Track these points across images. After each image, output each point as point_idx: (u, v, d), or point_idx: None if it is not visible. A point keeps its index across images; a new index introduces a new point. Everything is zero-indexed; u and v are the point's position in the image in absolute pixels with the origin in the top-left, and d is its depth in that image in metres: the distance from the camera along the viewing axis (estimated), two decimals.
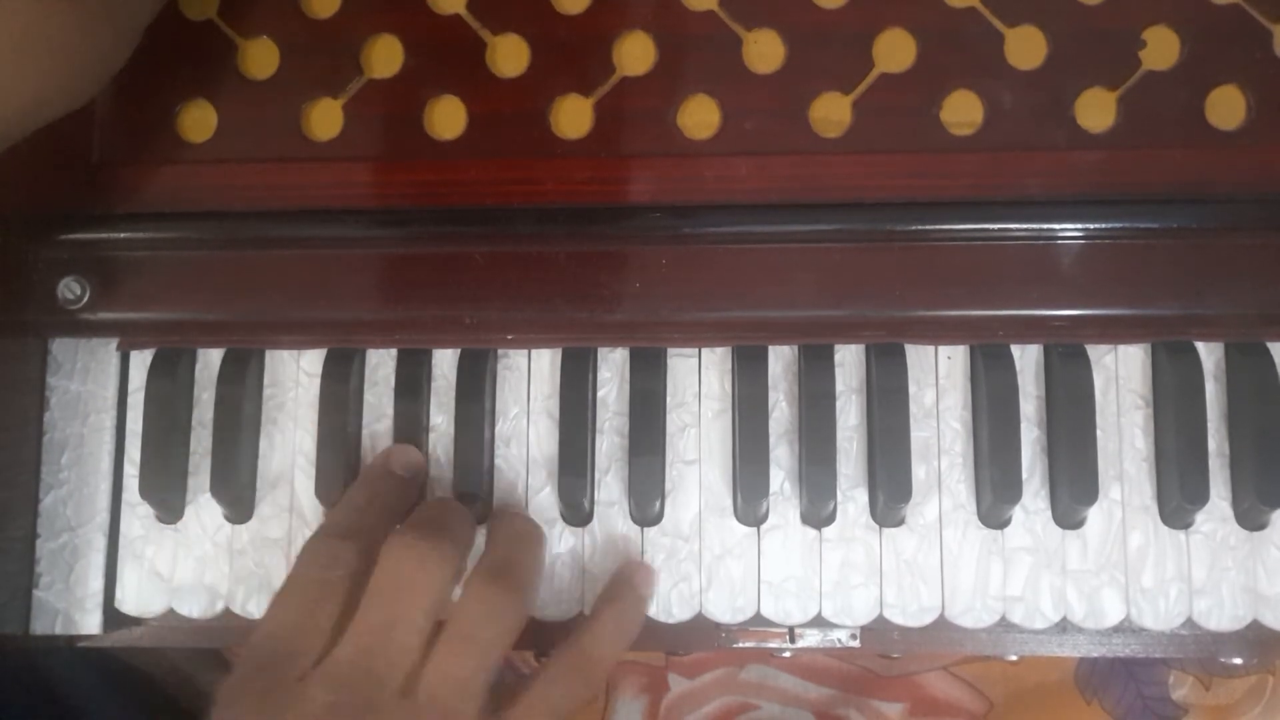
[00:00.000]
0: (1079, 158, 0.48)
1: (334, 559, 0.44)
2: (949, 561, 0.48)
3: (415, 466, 0.49)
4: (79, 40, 0.43)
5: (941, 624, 0.48)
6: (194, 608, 0.50)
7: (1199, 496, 0.46)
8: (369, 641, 0.42)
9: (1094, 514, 0.48)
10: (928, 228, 0.48)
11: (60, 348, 0.51)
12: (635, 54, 0.49)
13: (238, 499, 0.50)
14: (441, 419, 0.50)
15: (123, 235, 0.50)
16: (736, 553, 0.49)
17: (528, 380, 0.50)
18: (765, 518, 0.49)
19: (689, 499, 0.49)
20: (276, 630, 0.43)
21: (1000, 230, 0.48)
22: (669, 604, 0.49)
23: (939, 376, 0.49)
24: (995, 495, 0.47)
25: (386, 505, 0.47)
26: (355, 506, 0.47)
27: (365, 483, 0.48)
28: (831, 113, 0.49)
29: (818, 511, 0.48)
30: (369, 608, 0.43)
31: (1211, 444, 0.47)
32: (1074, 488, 0.47)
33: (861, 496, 0.49)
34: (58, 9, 0.41)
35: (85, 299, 0.49)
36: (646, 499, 0.48)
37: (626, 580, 0.48)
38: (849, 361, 0.49)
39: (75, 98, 0.44)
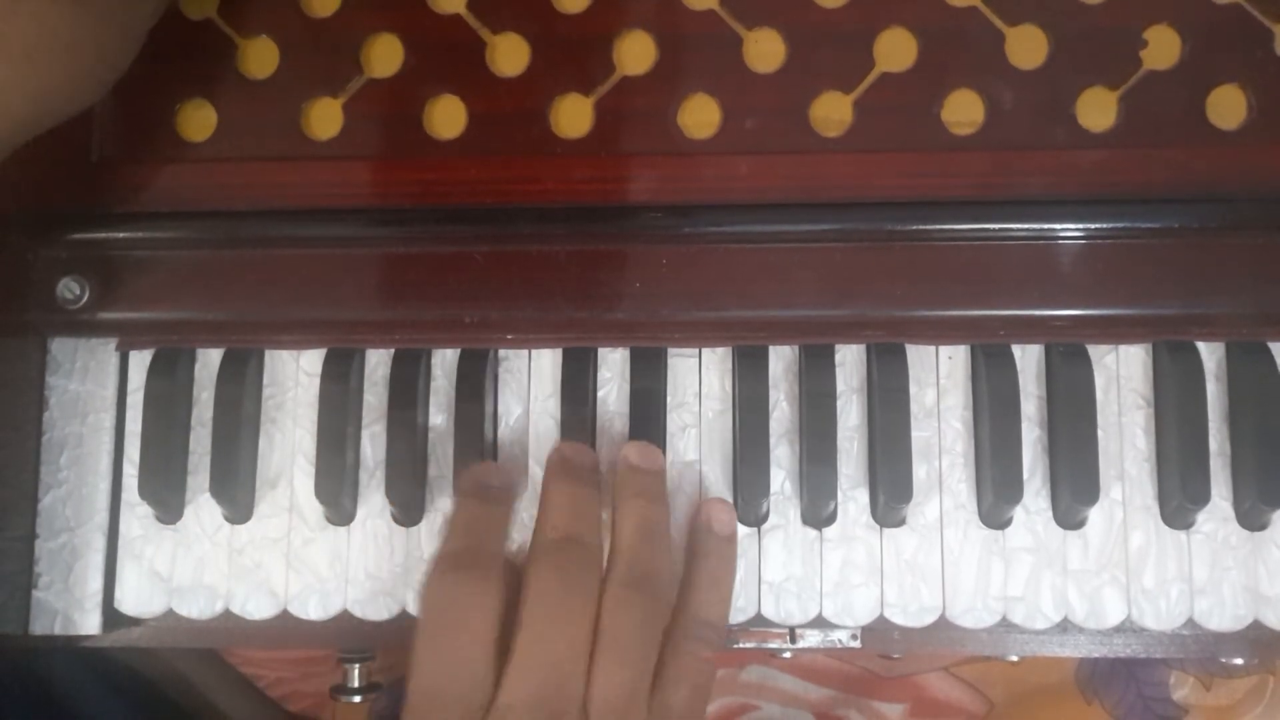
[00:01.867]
0: (1080, 157, 0.48)
1: (465, 599, 0.42)
2: (950, 561, 0.48)
3: (509, 477, 0.48)
4: (85, 44, 0.43)
5: (942, 624, 0.48)
6: (193, 608, 0.50)
7: (1200, 496, 0.46)
8: (539, 678, 0.41)
9: (1095, 514, 0.48)
10: (928, 227, 0.48)
11: (59, 347, 0.51)
12: (635, 53, 0.49)
13: (237, 499, 0.49)
14: (441, 419, 0.50)
15: (122, 235, 0.50)
16: (737, 553, 0.49)
17: (528, 380, 0.50)
18: (766, 517, 0.49)
19: (689, 499, 0.49)
20: (432, 685, 0.41)
21: (1001, 230, 0.48)
22: None
23: (940, 376, 0.49)
24: (996, 495, 0.47)
25: (491, 519, 0.46)
26: (464, 527, 0.45)
27: (463, 503, 0.46)
28: (832, 112, 0.49)
29: (818, 511, 0.48)
30: (529, 643, 0.41)
31: (1213, 444, 0.47)
32: (1075, 487, 0.47)
33: (862, 496, 0.49)
34: (65, 13, 0.41)
35: (84, 298, 0.49)
36: None
37: (705, 528, 0.47)
38: (850, 361, 0.49)
39: (81, 101, 0.44)
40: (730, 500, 0.49)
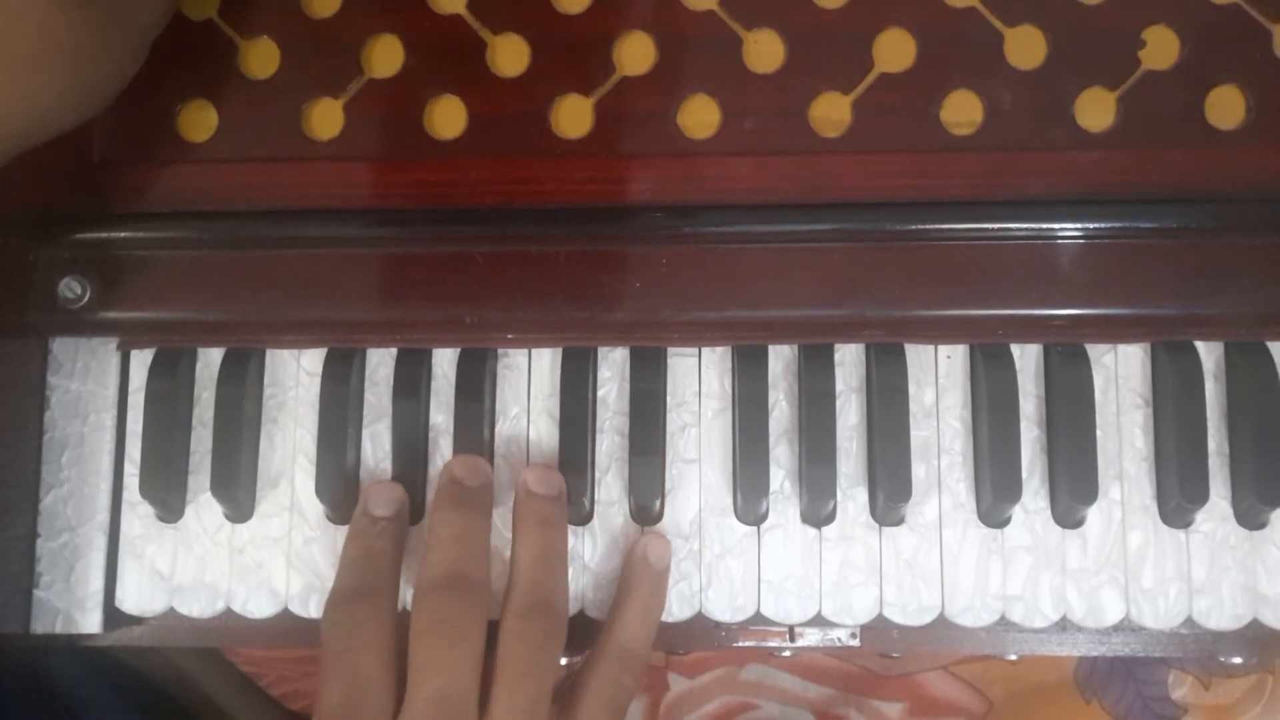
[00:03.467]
0: (1079, 157, 0.48)
1: (356, 627, 0.45)
2: (949, 560, 0.48)
3: (396, 502, 0.49)
4: (92, 52, 0.43)
5: (941, 623, 0.48)
6: (194, 607, 0.50)
7: (1199, 496, 0.47)
8: (426, 712, 0.43)
9: (1094, 513, 0.48)
10: (927, 227, 0.48)
11: (61, 347, 0.51)
12: (635, 54, 0.49)
13: (238, 498, 0.50)
14: (441, 418, 0.50)
15: (123, 235, 0.50)
16: (736, 552, 0.49)
17: (528, 380, 0.51)
18: (765, 517, 0.49)
19: (689, 498, 0.49)
20: (337, 706, 0.43)
21: (1000, 230, 0.48)
22: (669, 603, 0.49)
23: (939, 376, 0.49)
24: (995, 494, 0.47)
25: (382, 553, 0.47)
26: (354, 564, 0.47)
27: (354, 538, 0.48)
28: (831, 112, 0.49)
29: (818, 510, 0.48)
30: (420, 676, 0.43)
31: (1211, 443, 0.47)
32: (1074, 487, 0.47)
33: (861, 495, 0.49)
34: (72, 21, 0.41)
35: (86, 298, 0.50)
36: (646, 498, 0.48)
37: (641, 560, 0.48)
38: (849, 361, 0.49)
39: (85, 110, 0.45)
40: (730, 499, 0.49)
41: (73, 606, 0.50)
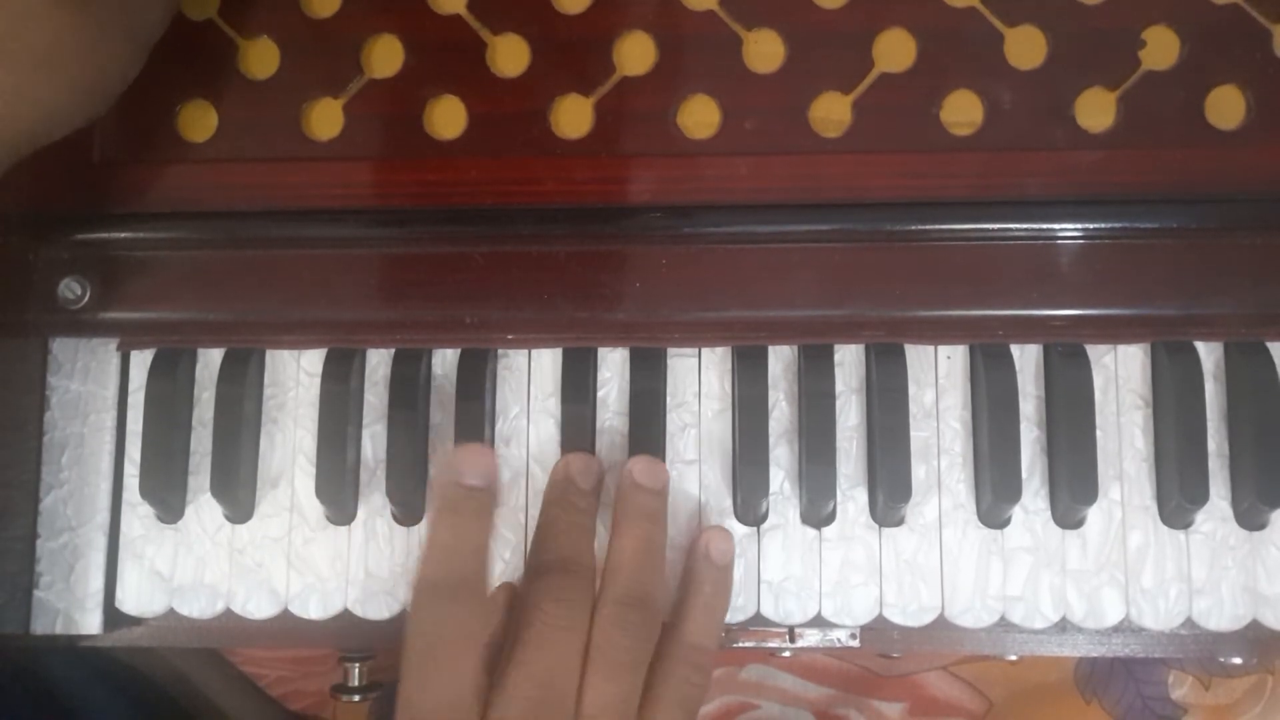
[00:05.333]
0: (1079, 157, 0.48)
1: (450, 624, 0.43)
2: (949, 561, 0.48)
3: (491, 472, 0.46)
4: (95, 55, 0.43)
5: (941, 624, 0.48)
6: (194, 607, 0.50)
7: (1199, 496, 0.46)
8: (530, 695, 0.42)
9: (1094, 514, 0.48)
10: (928, 228, 0.48)
11: (61, 347, 0.51)
12: (635, 54, 0.49)
13: (238, 499, 0.50)
14: (441, 419, 0.50)
15: (123, 235, 0.50)
16: (736, 552, 0.49)
17: (528, 380, 0.51)
18: (765, 517, 0.49)
19: (689, 499, 0.49)
20: (419, 713, 0.42)
21: (1000, 230, 0.48)
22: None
23: (939, 376, 0.49)
24: (995, 495, 0.47)
25: (475, 533, 0.45)
26: (445, 548, 0.45)
27: (443, 514, 0.45)
28: (832, 112, 0.49)
29: (818, 511, 0.48)
30: (527, 665, 0.42)
31: (1211, 444, 0.47)
32: (1074, 487, 0.47)
33: (861, 496, 0.49)
34: (74, 23, 0.41)
35: (86, 299, 0.50)
36: None
37: (703, 556, 0.47)
38: (849, 361, 0.49)
39: (90, 111, 0.45)
40: (730, 500, 0.49)
41: (73, 607, 0.50)
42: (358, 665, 0.54)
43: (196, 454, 0.51)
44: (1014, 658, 0.52)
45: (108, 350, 0.51)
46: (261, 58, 0.50)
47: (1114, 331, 0.48)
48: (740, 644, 0.50)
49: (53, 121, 0.44)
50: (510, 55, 0.50)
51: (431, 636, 0.43)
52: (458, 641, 0.43)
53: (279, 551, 0.50)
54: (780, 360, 0.50)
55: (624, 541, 0.46)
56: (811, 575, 0.48)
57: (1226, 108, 0.48)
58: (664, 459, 0.49)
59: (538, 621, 0.43)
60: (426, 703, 0.42)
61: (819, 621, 0.48)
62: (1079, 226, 0.47)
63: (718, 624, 0.47)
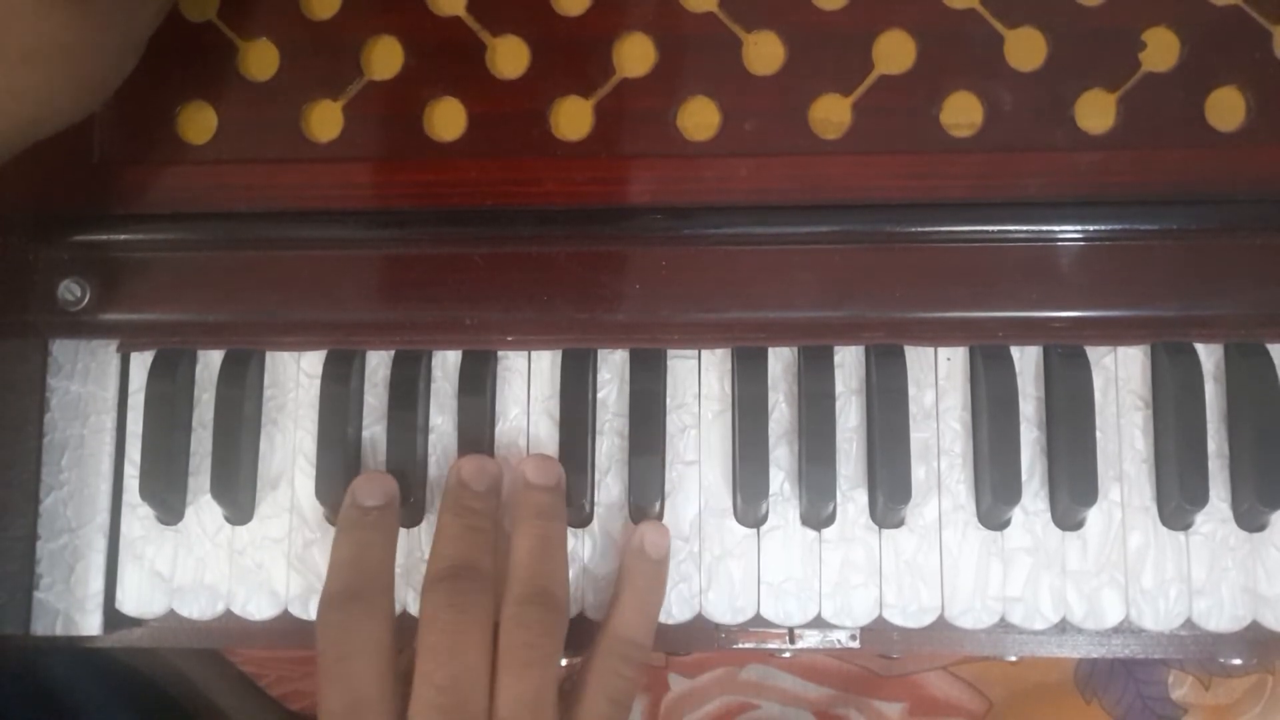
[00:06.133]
0: (1079, 159, 0.48)
1: (352, 631, 0.45)
2: (949, 562, 0.48)
3: (386, 493, 0.48)
4: (86, 50, 0.43)
5: (941, 624, 0.48)
6: (194, 608, 0.50)
7: (1198, 497, 0.47)
8: (439, 704, 0.43)
9: (1093, 515, 0.48)
10: (927, 229, 0.48)
11: (60, 349, 0.51)
12: (635, 55, 0.49)
13: (238, 500, 0.50)
14: (442, 420, 0.50)
15: (123, 236, 0.50)
16: (736, 553, 0.49)
17: (528, 381, 0.51)
18: (765, 518, 0.49)
19: (689, 500, 0.49)
20: (339, 714, 0.43)
21: (1000, 231, 0.48)
22: (669, 605, 0.49)
23: (939, 377, 0.49)
24: (995, 496, 0.47)
25: (374, 547, 0.47)
26: (346, 562, 0.46)
27: (343, 532, 0.47)
28: (831, 114, 0.49)
29: (818, 512, 0.48)
30: (431, 664, 0.43)
31: (1211, 445, 0.48)
32: (1074, 489, 0.47)
33: (861, 497, 0.49)
34: (69, 17, 0.41)
35: (85, 300, 0.50)
36: (646, 500, 0.48)
37: (637, 550, 0.48)
38: (849, 362, 0.49)
39: (82, 108, 0.45)
40: (730, 501, 0.49)
41: (73, 608, 0.50)
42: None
43: (196, 455, 0.51)
44: (1014, 658, 0.52)
45: (108, 352, 0.51)
46: (261, 59, 0.50)
47: (1114, 333, 0.48)
48: (740, 645, 0.50)
49: (46, 116, 0.43)
50: (510, 56, 0.50)
51: (340, 646, 0.44)
52: (365, 648, 0.44)
53: (279, 552, 0.50)
54: (780, 361, 0.50)
55: (519, 541, 0.47)
56: (811, 576, 0.48)
57: (1226, 109, 0.48)
58: (664, 460, 0.49)
59: (435, 630, 0.44)
60: (341, 707, 0.43)
61: (819, 622, 0.49)
62: (1079, 228, 0.47)
63: (650, 618, 0.47)
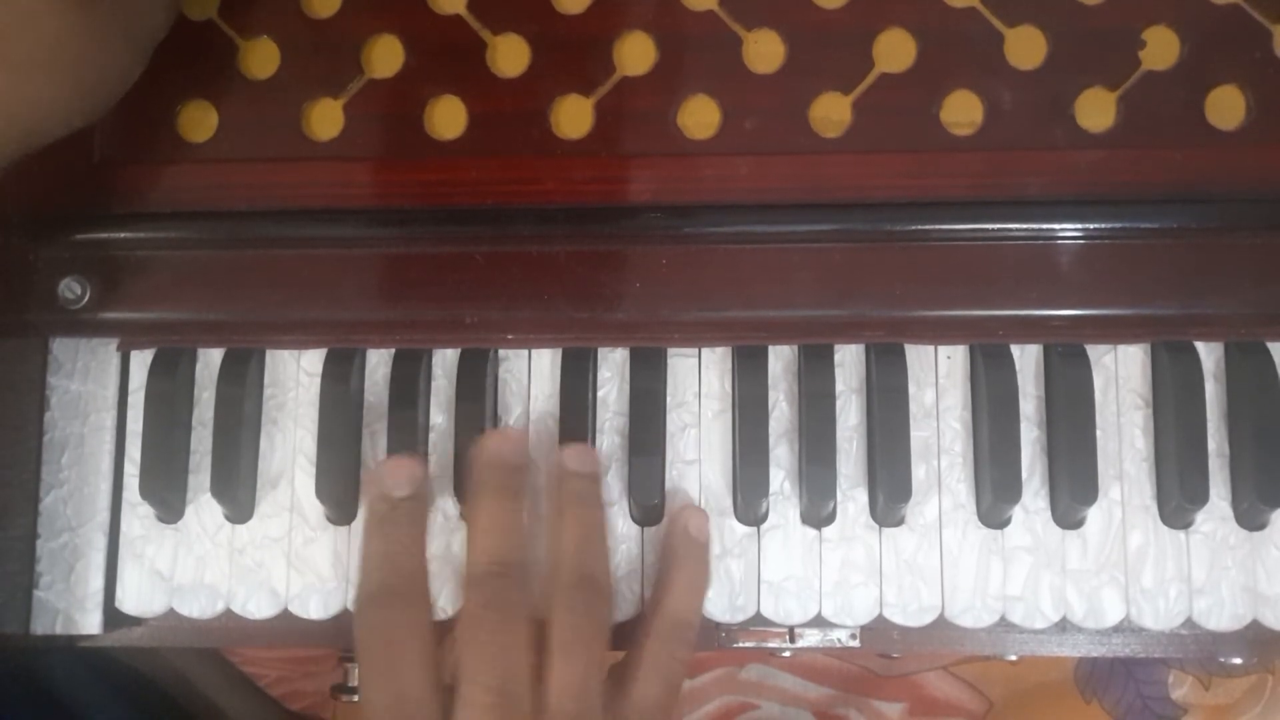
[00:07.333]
0: (1079, 157, 0.48)
1: (392, 631, 0.44)
2: (949, 561, 0.48)
3: (416, 479, 0.47)
4: (95, 56, 0.43)
5: (941, 624, 0.48)
6: (194, 607, 0.50)
7: (1199, 496, 0.46)
8: (488, 704, 0.42)
9: (1094, 514, 0.48)
10: (927, 228, 0.48)
11: (61, 347, 0.51)
12: (635, 54, 0.49)
13: (238, 498, 0.50)
14: (442, 419, 0.50)
15: (123, 235, 0.50)
16: (736, 552, 0.49)
17: (528, 380, 0.50)
18: (765, 517, 0.49)
19: (689, 499, 0.49)
20: (383, 713, 0.43)
21: (1000, 230, 0.48)
22: None
23: (939, 376, 0.49)
24: (995, 495, 0.47)
25: (407, 541, 0.46)
26: (379, 559, 0.45)
27: (374, 526, 0.46)
28: (831, 112, 0.49)
29: (818, 511, 0.48)
30: (476, 663, 0.43)
31: (1211, 444, 0.47)
32: (1074, 487, 0.47)
33: (861, 496, 0.49)
34: (76, 25, 0.41)
35: (86, 299, 0.50)
36: (646, 499, 0.48)
37: (682, 533, 0.47)
38: (849, 361, 0.49)
39: (91, 112, 0.45)
40: (730, 500, 0.49)
41: (73, 607, 0.50)
42: (358, 665, 0.53)
43: (196, 454, 0.51)
44: (1014, 658, 0.52)
45: (108, 350, 0.51)
46: (261, 58, 0.50)
47: (1114, 331, 0.48)
48: (740, 644, 0.50)
49: (52, 122, 0.44)
50: (510, 55, 0.50)
51: (383, 645, 0.44)
52: (410, 646, 0.43)
53: (279, 551, 0.50)
54: (780, 360, 0.50)
55: (564, 528, 0.46)
56: (811, 575, 0.48)
57: (1226, 108, 0.48)
58: (664, 459, 0.49)
59: (477, 631, 0.43)
60: (386, 702, 0.43)
61: (819, 621, 0.48)
62: (1079, 226, 0.47)
63: (700, 598, 0.48)
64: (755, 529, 0.49)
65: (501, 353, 0.51)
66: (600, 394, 0.50)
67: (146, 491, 0.50)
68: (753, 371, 0.49)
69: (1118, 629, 0.48)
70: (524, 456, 0.48)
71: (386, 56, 0.50)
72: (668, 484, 0.49)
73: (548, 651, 0.43)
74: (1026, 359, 0.49)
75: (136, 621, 0.51)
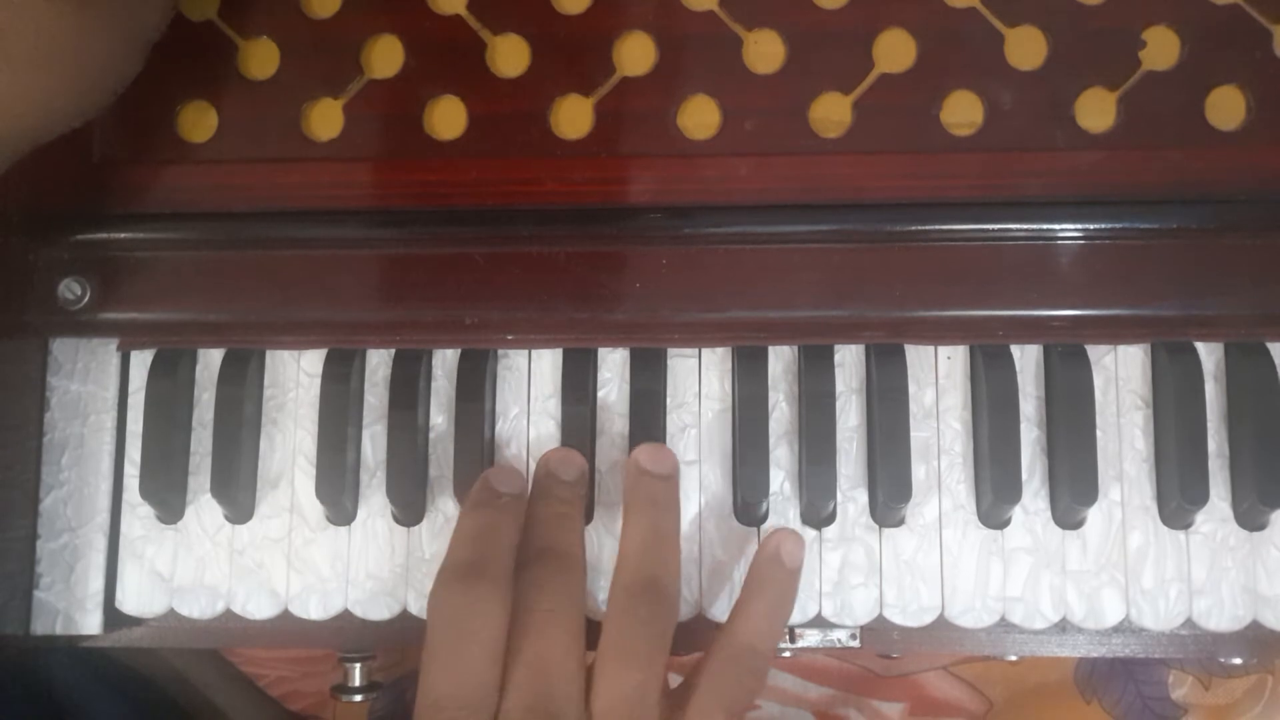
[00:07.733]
0: (1079, 158, 0.48)
1: (471, 609, 0.43)
2: (949, 562, 0.48)
3: (519, 485, 0.47)
4: (93, 53, 0.43)
5: (941, 624, 0.48)
6: (194, 608, 0.50)
7: (1199, 497, 0.46)
8: (536, 687, 0.42)
9: (1094, 514, 0.48)
10: (927, 228, 0.48)
11: (60, 348, 0.51)
12: (635, 54, 0.49)
13: (238, 499, 0.50)
14: (442, 419, 0.50)
15: (123, 235, 0.50)
16: (736, 553, 0.49)
17: (528, 381, 0.50)
18: (765, 518, 0.49)
19: (689, 499, 0.49)
20: (440, 695, 0.42)
21: (1000, 230, 0.48)
22: None
23: (939, 376, 0.49)
24: (995, 495, 0.47)
25: (502, 527, 0.45)
26: (472, 537, 0.45)
27: (472, 509, 0.46)
28: (832, 113, 0.49)
29: (818, 511, 0.48)
30: (522, 653, 0.42)
31: (1211, 444, 0.47)
32: (1074, 488, 0.47)
33: (861, 496, 0.49)
34: (73, 22, 0.41)
35: (85, 299, 0.50)
36: None
37: (772, 557, 0.46)
38: (849, 362, 0.49)
39: (86, 111, 0.45)
40: (730, 500, 0.49)
41: (73, 607, 0.50)
42: (358, 665, 0.53)
43: (196, 454, 0.51)
44: (1014, 658, 0.52)
45: (108, 351, 0.51)
46: (261, 58, 0.50)
47: (1114, 332, 0.48)
48: None
49: (50, 120, 0.44)
50: (510, 55, 0.50)
51: (459, 623, 0.43)
52: (486, 628, 0.42)
53: (279, 552, 0.50)
54: (780, 360, 0.50)
55: (631, 529, 0.46)
56: (812, 575, 0.48)
57: (1226, 108, 0.48)
58: None
59: (525, 612, 0.43)
60: (446, 687, 0.42)
61: (819, 622, 0.48)
62: (1079, 227, 0.47)
63: (779, 629, 0.46)
64: (755, 529, 0.49)
65: (501, 353, 0.51)
66: (600, 395, 0.50)
67: (146, 492, 0.50)
68: (753, 372, 0.49)
69: (1118, 629, 0.48)
70: (580, 473, 0.48)
71: (386, 57, 0.50)
72: None
73: (601, 654, 0.42)
74: (1026, 359, 0.49)
75: (136, 622, 0.51)
